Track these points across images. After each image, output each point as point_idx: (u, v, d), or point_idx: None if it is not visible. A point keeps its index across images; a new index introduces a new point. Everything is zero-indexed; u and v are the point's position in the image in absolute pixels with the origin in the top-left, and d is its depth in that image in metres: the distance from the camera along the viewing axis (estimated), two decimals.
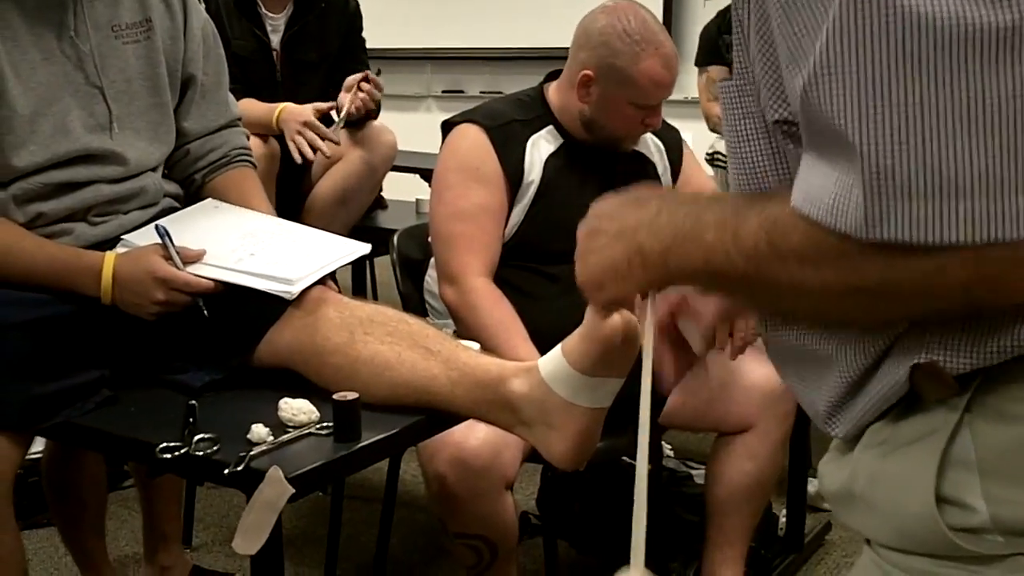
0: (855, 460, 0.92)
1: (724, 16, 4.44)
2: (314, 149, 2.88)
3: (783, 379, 1.01)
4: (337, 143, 2.95)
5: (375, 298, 3.85)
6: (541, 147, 2.28)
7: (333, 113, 2.99)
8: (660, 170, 2.41)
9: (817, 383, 0.93)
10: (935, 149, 0.69)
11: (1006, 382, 0.82)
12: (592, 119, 2.25)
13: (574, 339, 1.42)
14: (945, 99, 0.69)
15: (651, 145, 2.41)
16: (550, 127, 2.30)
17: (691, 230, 0.88)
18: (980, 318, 0.81)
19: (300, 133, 2.89)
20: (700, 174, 2.55)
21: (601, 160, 2.31)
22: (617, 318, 1.35)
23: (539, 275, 2.24)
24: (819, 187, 0.75)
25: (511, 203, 2.25)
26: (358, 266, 3.48)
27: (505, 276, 2.22)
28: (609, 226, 0.97)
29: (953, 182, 0.69)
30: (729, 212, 0.86)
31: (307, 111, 2.90)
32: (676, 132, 2.48)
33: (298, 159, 2.89)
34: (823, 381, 0.92)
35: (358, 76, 2.97)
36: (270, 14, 3.08)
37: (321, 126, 2.90)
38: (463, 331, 2.19)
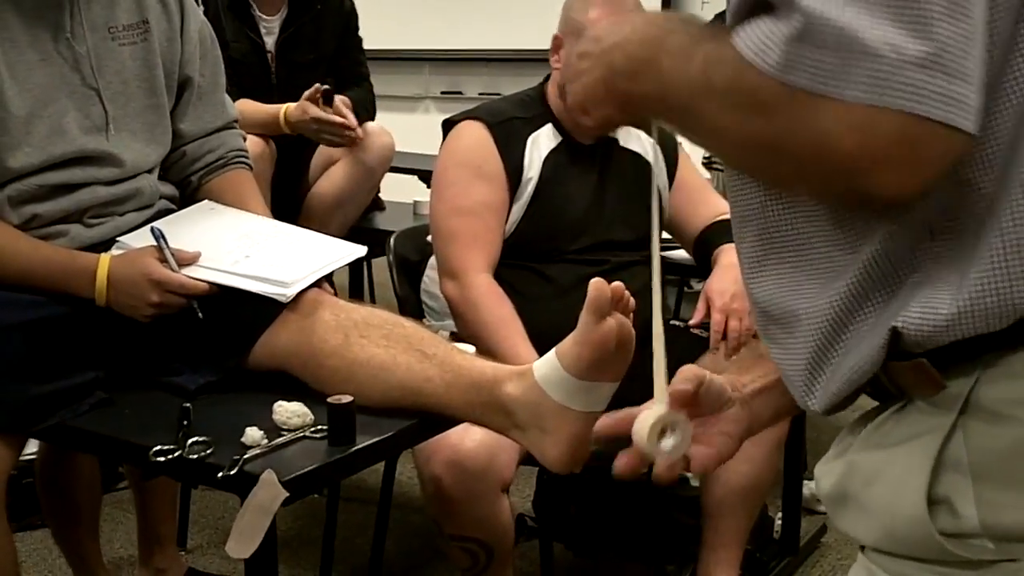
0: (850, 461, 0.92)
1: (721, 19, 4.44)
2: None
3: (772, 353, 1.00)
4: (347, 120, 2.97)
5: (372, 300, 3.85)
6: (541, 144, 2.28)
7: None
8: (655, 170, 2.41)
9: (792, 344, 0.93)
10: (856, 14, 0.74)
11: (1002, 383, 0.82)
12: (564, 87, 2.25)
13: (568, 343, 1.42)
14: None
15: (646, 144, 2.41)
16: (549, 125, 2.30)
17: (653, 55, 0.89)
18: (942, 278, 0.82)
19: (319, 132, 2.94)
20: (696, 176, 2.55)
21: (598, 159, 2.32)
22: (611, 322, 1.35)
23: (536, 274, 2.25)
24: (755, 29, 0.79)
25: (511, 201, 2.25)
26: (355, 268, 3.48)
27: (502, 275, 2.22)
28: (594, 48, 0.98)
29: (865, 44, 0.73)
30: (688, 41, 0.87)
31: (311, 109, 2.91)
32: (671, 133, 2.48)
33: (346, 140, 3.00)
34: (795, 340, 0.92)
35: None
36: (264, 16, 3.08)
37: (325, 115, 2.93)
38: (463, 327, 2.19)
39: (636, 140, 2.40)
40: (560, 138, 2.30)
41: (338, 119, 2.93)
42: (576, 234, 2.27)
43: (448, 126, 2.34)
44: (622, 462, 1.05)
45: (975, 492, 0.83)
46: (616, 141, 2.37)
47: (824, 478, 0.95)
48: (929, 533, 0.84)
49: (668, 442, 1.00)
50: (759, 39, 0.78)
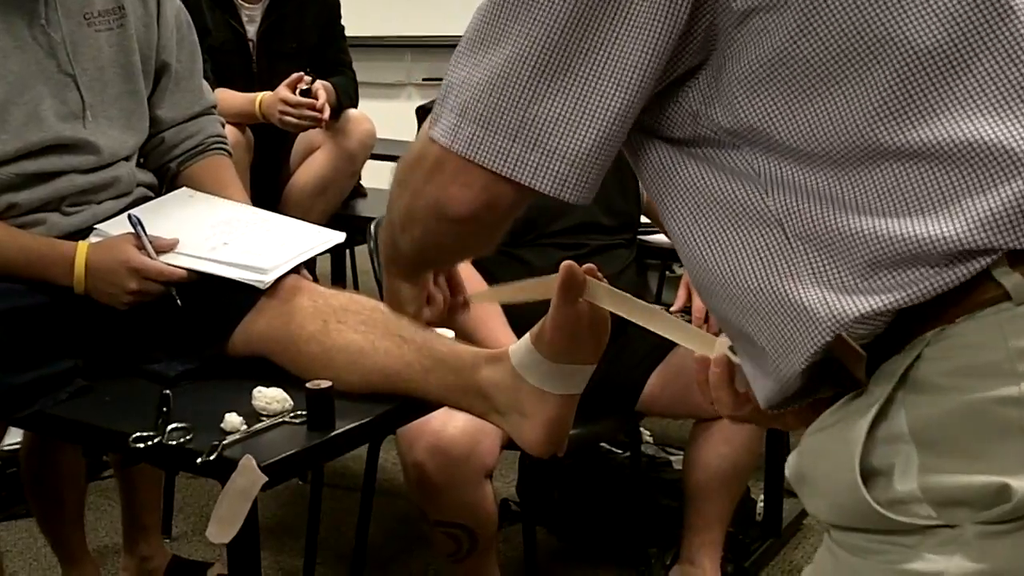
0: (805, 443, 0.95)
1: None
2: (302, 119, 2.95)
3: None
4: (316, 101, 2.96)
5: (356, 286, 3.85)
6: None
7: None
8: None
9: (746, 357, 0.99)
10: (465, 77, 0.93)
11: (941, 356, 0.85)
12: None
13: (541, 326, 1.42)
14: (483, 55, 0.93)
15: None
16: None
17: None
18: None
19: (284, 113, 2.92)
20: None
21: None
22: (583, 305, 1.35)
23: (513, 259, 2.24)
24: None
25: None
26: (337, 254, 3.47)
27: (480, 261, 2.21)
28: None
29: (459, 97, 0.93)
30: None
31: (280, 91, 2.91)
32: None
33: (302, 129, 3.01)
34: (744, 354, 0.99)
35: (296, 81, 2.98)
36: (246, 4, 3.06)
37: (294, 97, 2.93)
38: None
39: None
40: None
41: (304, 100, 2.93)
42: (553, 217, 2.27)
43: (423, 114, 2.33)
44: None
45: (919, 459, 0.84)
46: None
47: (789, 463, 0.97)
48: (867, 503, 0.86)
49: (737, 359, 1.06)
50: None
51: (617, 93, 0.89)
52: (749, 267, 0.91)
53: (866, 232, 0.86)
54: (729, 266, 0.92)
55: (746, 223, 0.91)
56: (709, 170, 0.93)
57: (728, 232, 0.92)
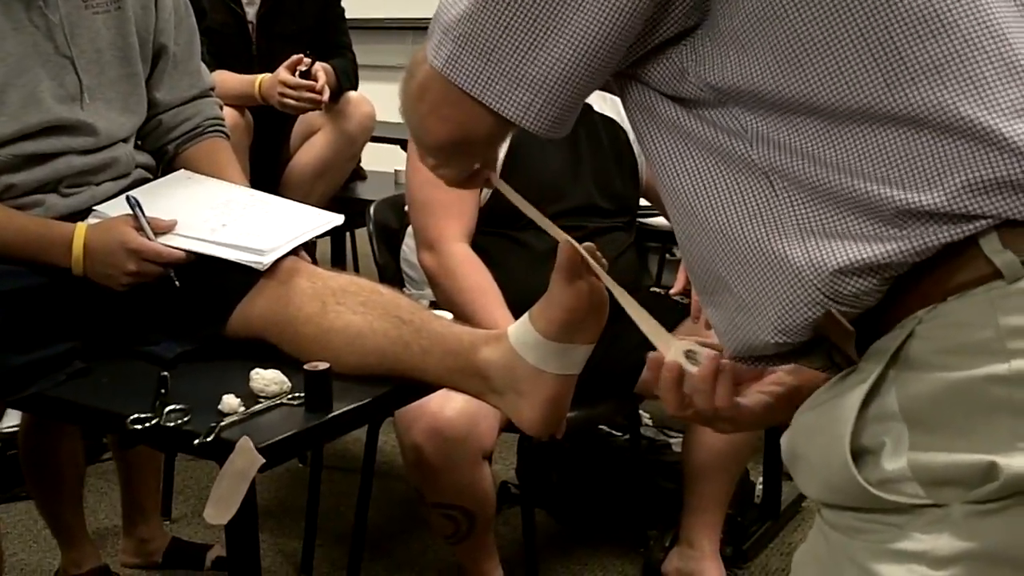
0: (797, 421, 0.95)
1: None
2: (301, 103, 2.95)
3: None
4: (315, 83, 2.96)
5: (355, 269, 3.85)
6: None
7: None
8: (632, 137, 2.40)
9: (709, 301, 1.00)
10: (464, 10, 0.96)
11: (932, 334, 0.85)
12: None
13: (541, 305, 1.42)
14: None
15: (621, 110, 2.40)
16: None
17: None
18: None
19: (284, 95, 2.91)
20: None
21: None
22: (583, 284, 1.35)
23: (512, 242, 2.24)
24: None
25: None
26: (337, 237, 3.47)
27: (479, 243, 2.22)
28: None
29: (446, 24, 0.97)
30: None
31: (280, 73, 2.91)
32: None
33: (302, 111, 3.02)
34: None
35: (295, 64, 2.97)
36: None
37: (294, 79, 2.93)
38: (441, 297, 2.19)
39: (612, 106, 2.39)
40: None
41: (304, 82, 2.92)
42: (552, 200, 2.26)
43: None
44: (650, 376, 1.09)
45: (910, 438, 0.84)
46: (591, 106, 2.36)
47: (784, 441, 0.97)
48: (856, 482, 0.86)
49: (692, 367, 1.06)
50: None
51: (587, 36, 0.91)
52: (731, 209, 0.92)
53: (848, 189, 0.87)
54: (711, 206, 0.93)
55: (731, 167, 0.92)
56: (695, 121, 0.94)
57: (712, 172, 0.93)
